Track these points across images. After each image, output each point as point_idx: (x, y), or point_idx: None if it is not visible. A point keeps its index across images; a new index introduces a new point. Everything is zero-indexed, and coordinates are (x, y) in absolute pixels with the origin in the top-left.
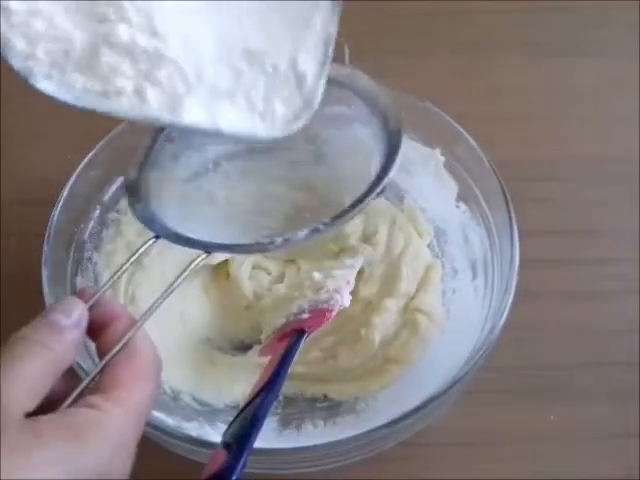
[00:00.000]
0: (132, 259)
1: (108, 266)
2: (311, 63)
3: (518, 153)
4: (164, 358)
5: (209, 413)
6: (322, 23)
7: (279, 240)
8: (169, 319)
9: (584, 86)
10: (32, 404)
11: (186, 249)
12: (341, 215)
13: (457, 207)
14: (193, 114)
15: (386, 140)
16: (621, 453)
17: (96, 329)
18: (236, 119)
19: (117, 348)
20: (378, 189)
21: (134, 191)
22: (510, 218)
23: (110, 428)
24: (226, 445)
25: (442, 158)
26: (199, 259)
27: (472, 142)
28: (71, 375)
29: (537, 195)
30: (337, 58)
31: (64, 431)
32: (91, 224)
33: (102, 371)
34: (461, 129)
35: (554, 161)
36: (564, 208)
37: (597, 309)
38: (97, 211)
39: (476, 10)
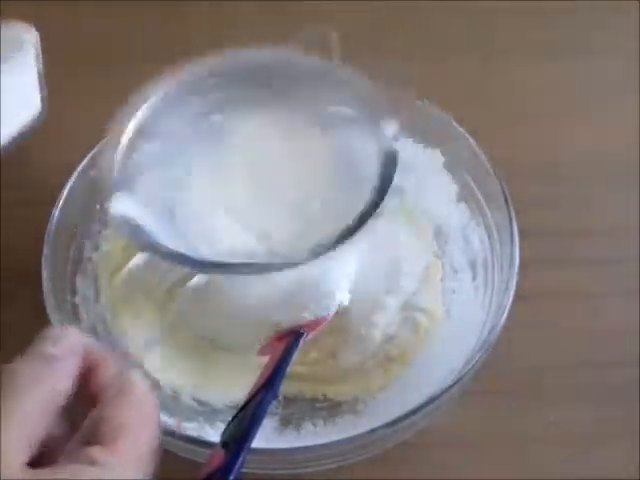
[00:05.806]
0: None
1: (106, 267)
2: None
3: (518, 153)
4: (164, 358)
5: (209, 413)
6: None
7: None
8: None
9: (584, 86)
10: (30, 451)
11: None
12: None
13: (457, 207)
14: None
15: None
16: (621, 453)
17: (82, 374)
18: None
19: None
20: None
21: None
22: (510, 218)
23: None
24: (224, 445)
25: (442, 158)
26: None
27: (472, 142)
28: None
29: (537, 195)
30: (326, 47)
31: None
32: (91, 224)
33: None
34: (461, 129)
35: (554, 161)
36: (564, 208)
37: (597, 309)
38: (97, 211)
39: (475, 10)
